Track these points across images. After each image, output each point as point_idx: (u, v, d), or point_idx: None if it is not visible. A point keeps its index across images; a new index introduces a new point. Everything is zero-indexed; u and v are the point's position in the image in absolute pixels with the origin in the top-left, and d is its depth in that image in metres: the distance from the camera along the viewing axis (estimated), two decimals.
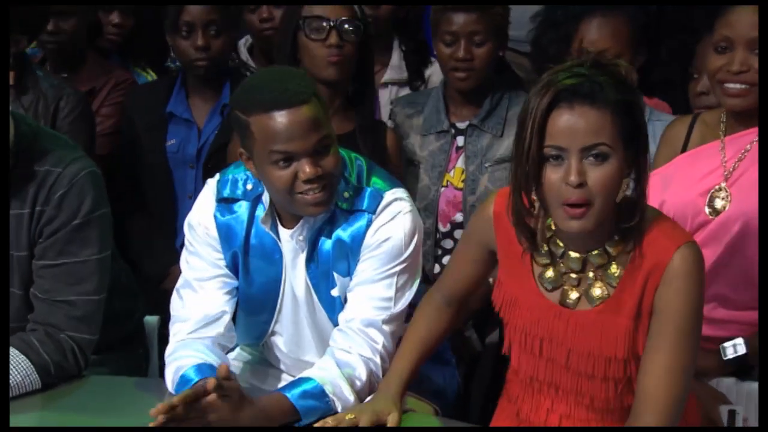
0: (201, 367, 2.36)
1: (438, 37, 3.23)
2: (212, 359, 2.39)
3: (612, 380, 2.19)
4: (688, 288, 2.11)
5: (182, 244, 3.45)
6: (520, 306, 2.25)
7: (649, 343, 2.14)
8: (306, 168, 2.32)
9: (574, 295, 2.20)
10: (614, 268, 2.16)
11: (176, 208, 3.55)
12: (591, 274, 2.18)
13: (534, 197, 2.13)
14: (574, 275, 2.19)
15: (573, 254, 2.18)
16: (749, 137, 2.68)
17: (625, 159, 2.09)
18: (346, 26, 3.08)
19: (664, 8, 3.11)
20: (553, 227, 2.20)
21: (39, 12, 3.27)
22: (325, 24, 3.07)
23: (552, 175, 2.08)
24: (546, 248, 2.21)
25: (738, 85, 2.62)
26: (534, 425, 2.32)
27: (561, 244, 2.19)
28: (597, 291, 2.18)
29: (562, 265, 2.20)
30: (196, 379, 2.31)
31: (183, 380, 2.35)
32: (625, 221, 2.13)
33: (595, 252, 2.17)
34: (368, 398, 2.39)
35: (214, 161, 3.38)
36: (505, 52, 3.35)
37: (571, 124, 2.05)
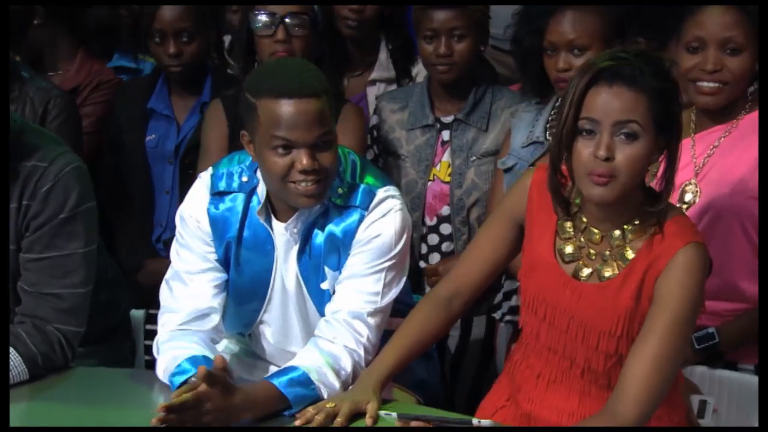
0: (196, 359, 2.38)
1: (420, 35, 3.26)
2: (207, 353, 2.42)
3: (603, 353, 2.26)
4: (685, 281, 2.17)
5: (158, 239, 3.49)
6: (535, 273, 2.34)
7: (642, 329, 2.20)
8: (303, 159, 2.36)
9: (586, 270, 2.28)
10: (629, 252, 2.24)
11: (153, 202, 3.56)
12: (608, 252, 2.26)
13: (564, 168, 2.22)
14: (592, 251, 2.27)
15: (594, 229, 2.27)
16: (717, 133, 2.75)
17: (656, 143, 2.18)
18: (293, 20, 3.08)
19: (642, 8, 3.15)
20: (579, 203, 2.29)
21: (21, 22, 3.29)
22: (272, 19, 3.08)
23: (583, 148, 2.17)
24: (570, 225, 2.29)
25: (712, 84, 2.69)
26: (523, 389, 2.39)
27: (584, 220, 2.28)
28: (608, 272, 2.26)
29: (582, 239, 2.28)
30: (193, 370, 2.34)
31: (179, 369, 2.38)
32: (650, 205, 2.21)
33: (616, 233, 2.25)
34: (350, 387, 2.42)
35: (192, 158, 3.38)
36: (486, 47, 3.38)
37: (607, 101, 2.15)
